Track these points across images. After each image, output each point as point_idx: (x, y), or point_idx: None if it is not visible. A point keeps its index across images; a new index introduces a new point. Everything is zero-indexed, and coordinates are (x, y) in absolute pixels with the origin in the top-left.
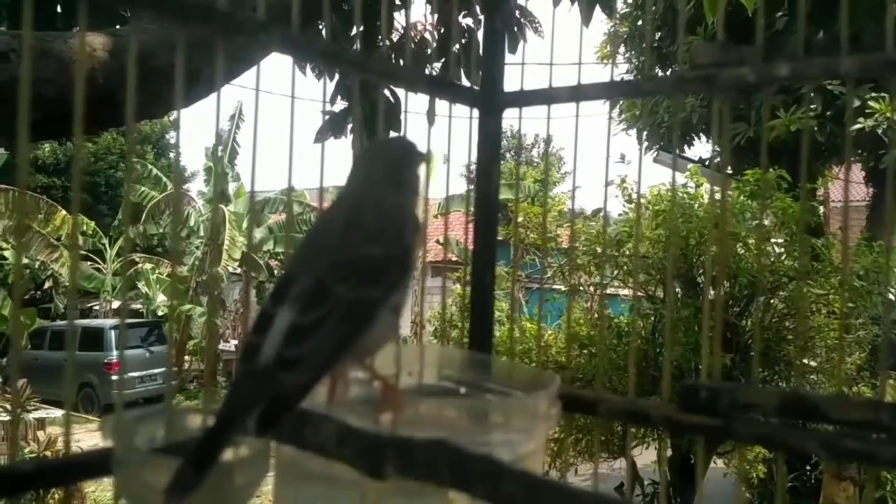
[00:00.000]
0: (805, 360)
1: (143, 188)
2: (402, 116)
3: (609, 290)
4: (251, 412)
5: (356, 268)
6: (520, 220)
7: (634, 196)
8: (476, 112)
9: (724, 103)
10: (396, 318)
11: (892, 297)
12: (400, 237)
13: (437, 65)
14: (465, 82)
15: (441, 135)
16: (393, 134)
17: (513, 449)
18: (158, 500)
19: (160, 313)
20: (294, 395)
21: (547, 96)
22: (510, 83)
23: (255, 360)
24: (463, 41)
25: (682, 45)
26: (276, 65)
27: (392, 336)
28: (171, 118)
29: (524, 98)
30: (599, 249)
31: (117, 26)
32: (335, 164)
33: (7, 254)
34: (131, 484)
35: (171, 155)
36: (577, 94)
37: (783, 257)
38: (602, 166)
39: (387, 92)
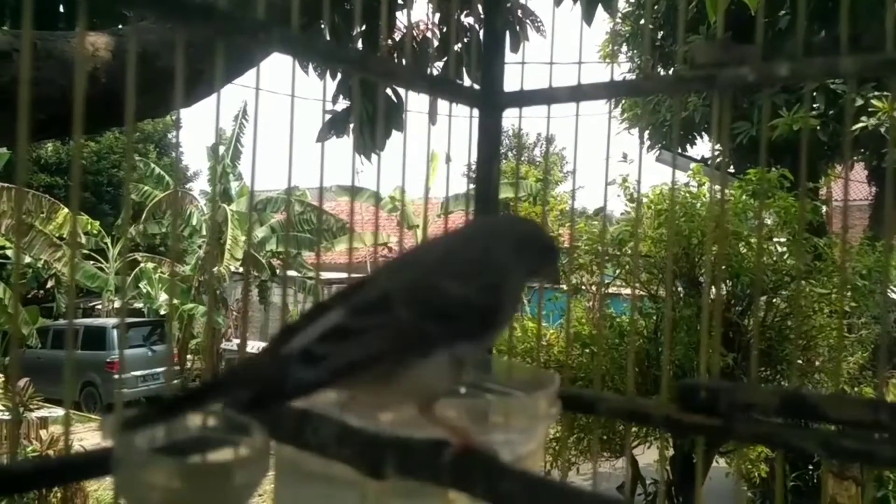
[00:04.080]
0: (807, 360)
1: (145, 187)
2: (404, 116)
3: (611, 290)
4: (247, 386)
5: (428, 296)
6: None
7: (636, 195)
8: (476, 111)
9: (724, 102)
10: (457, 369)
11: (893, 296)
12: (495, 291)
13: (439, 64)
14: (467, 81)
15: (442, 134)
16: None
17: (513, 449)
18: (158, 499)
19: (162, 312)
20: (294, 387)
21: (547, 96)
22: (511, 82)
23: (285, 342)
24: (465, 40)
25: (682, 45)
26: (279, 64)
27: (445, 386)
28: (174, 117)
29: (524, 98)
30: (601, 249)
31: (120, 26)
32: (336, 164)
33: (10, 252)
34: (131, 484)
35: (174, 154)
36: (578, 93)
37: (785, 256)
38: (603, 165)
39: (389, 92)
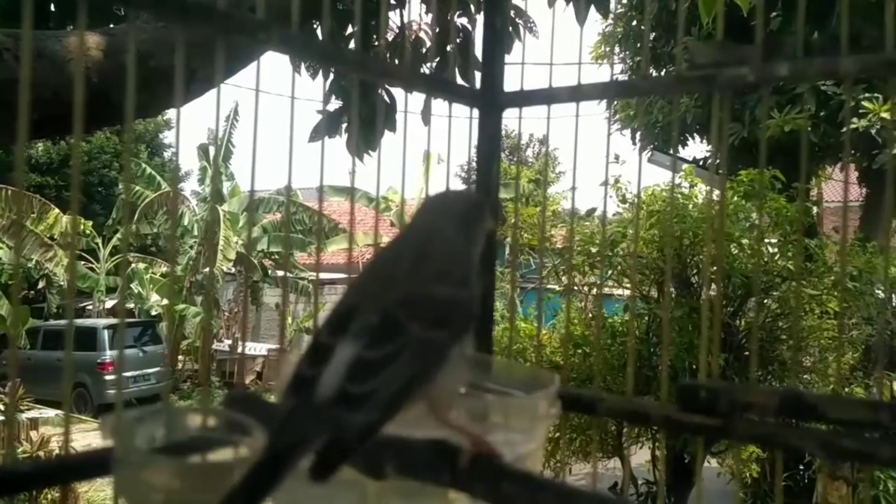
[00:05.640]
0: (799, 360)
1: (136, 187)
2: (398, 116)
3: (603, 290)
4: (307, 449)
5: (428, 306)
6: (515, 220)
7: (629, 196)
8: (474, 113)
9: (724, 103)
10: (465, 366)
11: (881, 295)
12: (467, 282)
13: (433, 65)
14: (461, 83)
15: (439, 136)
16: (458, 186)
17: (513, 449)
18: (158, 499)
19: (153, 313)
20: (360, 436)
21: (547, 96)
22: (507, 85)
23: (311, 393)
24: (458, 41)
25: (681, 46)
26: (270, 64)
27: (461, 385)
28: (165, 117)
29: (524, 98)
30: (594, 249)
31: (111, 25)
32: (328, 164)
33: (1, 253)
34: (131, 484)
35: (166, 154)
36: (577, 93)
37: (777, 258)
38: (596, 166)
39: (382, 92)
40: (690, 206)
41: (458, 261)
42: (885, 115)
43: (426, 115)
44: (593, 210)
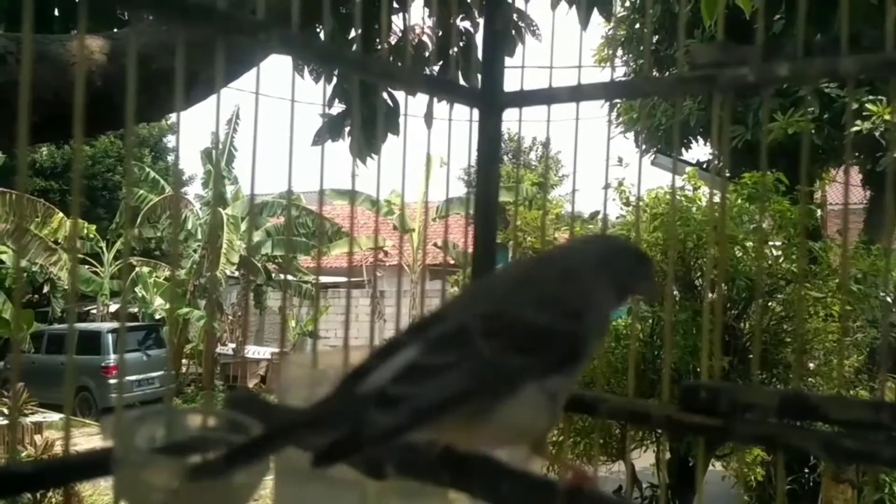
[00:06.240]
0: (803, 363)
1: (140, 191)
2: (401, 119)
3: None
4: (321, 431)
5: (511, 327)
6: (518, 223)
7: (632, 199)
8: (476, 115)
9: (724, 104)
10: (551, 404)
11: (889, 299)
12: (578, 317)
13: (436, 68)
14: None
15: (440, 139)
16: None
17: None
18: (159, 499)
19: (157, 317)
20: (375, 437)
21: (547, 96)
22: (509, 87)
23: (359, 381)
24: (461, 44)
25: (682, 48)
26: (273, 68)
27: (544, 423)
28: (169, 122)
29: (524, 98)
30: None
31: (114, 29)
32: (331, 167)
33: (5, 257)
34: (131, 484)
35: (169, 158)
36: (578, 93)
37: (780, 260)
38: (599, 169)
39: (385, 95)
40: (694, 208)
41: (579, 294)
42: (888, 117)
43: (428, 117)
44: (597, 213)
